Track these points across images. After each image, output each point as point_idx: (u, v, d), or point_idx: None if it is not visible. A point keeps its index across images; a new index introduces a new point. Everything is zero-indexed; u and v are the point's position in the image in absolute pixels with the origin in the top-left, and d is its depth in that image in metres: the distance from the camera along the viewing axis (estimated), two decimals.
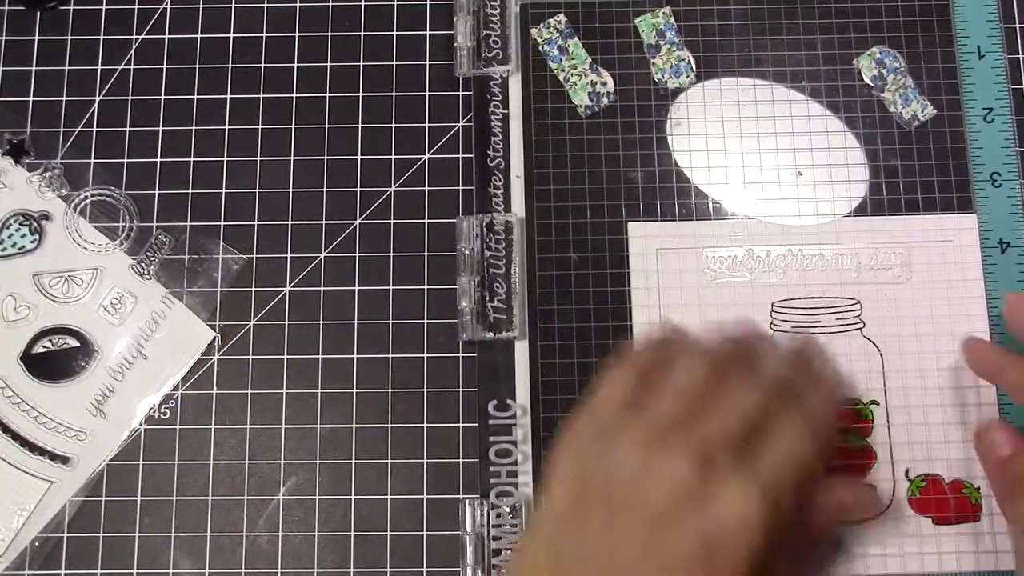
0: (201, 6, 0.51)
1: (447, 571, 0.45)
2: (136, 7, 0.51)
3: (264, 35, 0.51)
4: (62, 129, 0.50)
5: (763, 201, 0.48)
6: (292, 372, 0.47)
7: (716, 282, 0.47)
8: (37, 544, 0.46)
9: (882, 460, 0.45)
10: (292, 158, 0.50)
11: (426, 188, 0.49)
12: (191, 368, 0.47)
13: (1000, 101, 0.49)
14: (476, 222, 0.48)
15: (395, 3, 0.51)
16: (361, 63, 0.50)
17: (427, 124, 0.50)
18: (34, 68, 0.50)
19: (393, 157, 0.49)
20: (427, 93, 0.50)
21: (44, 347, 0.48)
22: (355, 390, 0.47)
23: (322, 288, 0.48)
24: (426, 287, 0.48)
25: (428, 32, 0.51)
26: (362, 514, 0.46)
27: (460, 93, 0.50)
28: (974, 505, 0.45)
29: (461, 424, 0.46)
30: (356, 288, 0.48)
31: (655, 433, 0.35)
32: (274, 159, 0.50)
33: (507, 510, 0.45)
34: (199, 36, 0.51)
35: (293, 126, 0.50)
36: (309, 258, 0.48)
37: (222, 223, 0.49)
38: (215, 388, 0.47)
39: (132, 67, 0.50)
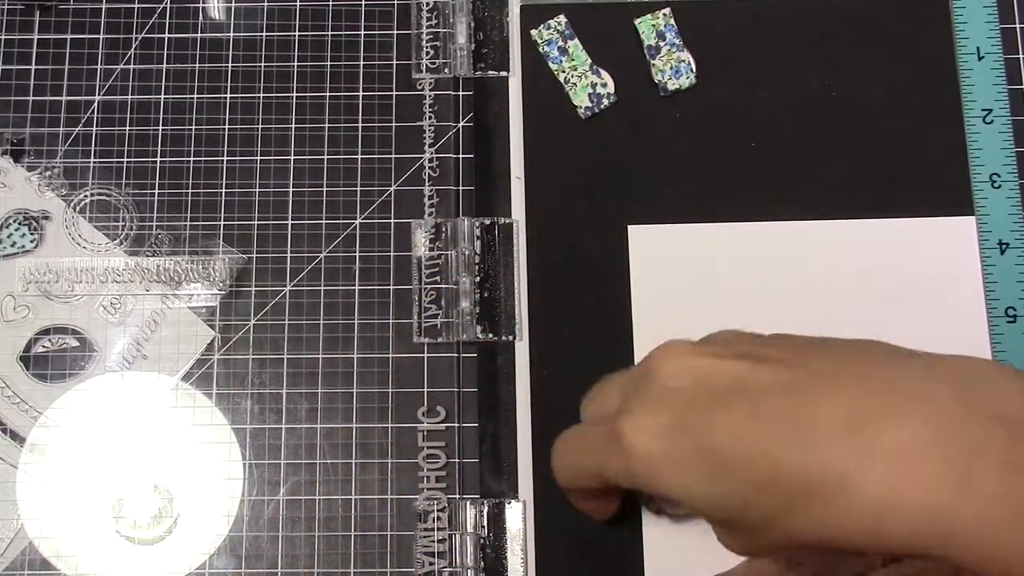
0: (201, 5, 0.51)
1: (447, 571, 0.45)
2: (136, 6, 0.51)
3: (264, 35, 0.51)
4: (62, 129, 0.50)
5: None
6: (292, 372, 0.47)
7: (716, 285, 0.47)
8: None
9: None
10: (292, 158, 0.50)
11: (425, 188, 0.49)
12: (191, 368, 0.47)
13: (999, 102, 0.49)
14: (476, 223, 0.48)
15: (395, 3, 0.51)
16: (361, 63, 0.50)
17: (426, 124, 0.50)
18: (34, 68, 0.50)
19: (393, 157, 0.49)
20: (427, 92, 0.50)
21: (44, 347, 0.48)
22: (355, 390, 0.47)
23: (322, 288, 0.48)
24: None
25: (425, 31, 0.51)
26: (363, 515, 0.46)
27: (460, 93, 0.50)
28: None
29: (460, 424, 0.46)
30: (356, 287, 0.48)
31: None
32: (274, 159, 0.50)
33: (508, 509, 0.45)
34: (199, 36, 0.51)
35: (293, 126, 0.50)
36: (309, 258, 0.48)
37: (222, 223, 0.49)
38: (215, 388, 0.47)
39: (132, 67, 0.50)
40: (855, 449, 0.29)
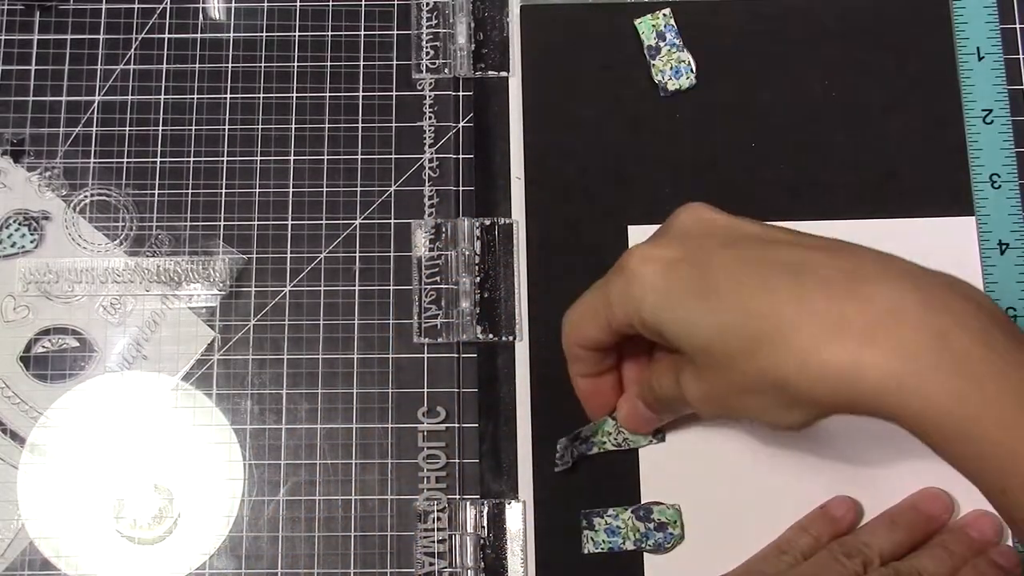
0: (201, 6, 0.51)
1: (447, 572, 0.45)
2: (136, 7, 0.51)
3: (264, 35, 0.51)
4: (62, 129, 0.50)
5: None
6: (292, 372, 0.47)
7: None
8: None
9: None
10: (292, 158, 0.50)
11: (425, 188, 0.49)
12: (191, 368, 0.47)
13: (999, 102, 0.49)
14: (476, 223, 0.48)
15: (395, 3, 0.51)
16: (361, 63, 0.50)
17: (426, 124, 0.50)
18: (34, 68, 0.50)
19: (393, 157, 0.49)
20: (427, 92, 0.50)
21: (44, 347, 0.48)
22: (355, 390, 0.47)
23: (322, 288, 0.48)
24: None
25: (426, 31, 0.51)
26: (363, 515, 0.46)
27: (460, 93, 0.50)
28: None
29: (460, 424, 0.47)
30: (356, 287, 0.48)
31: None
32: (274, 159, 0.50)
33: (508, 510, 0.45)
34: (199, 36, 0.51)
35: (293, 126, 0.50)
36: (309, 258, 0.48)
37: (222, 223, 0.49)
38: (215, 388, 0.47)
39: (132, 67, 0.50)
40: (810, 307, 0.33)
